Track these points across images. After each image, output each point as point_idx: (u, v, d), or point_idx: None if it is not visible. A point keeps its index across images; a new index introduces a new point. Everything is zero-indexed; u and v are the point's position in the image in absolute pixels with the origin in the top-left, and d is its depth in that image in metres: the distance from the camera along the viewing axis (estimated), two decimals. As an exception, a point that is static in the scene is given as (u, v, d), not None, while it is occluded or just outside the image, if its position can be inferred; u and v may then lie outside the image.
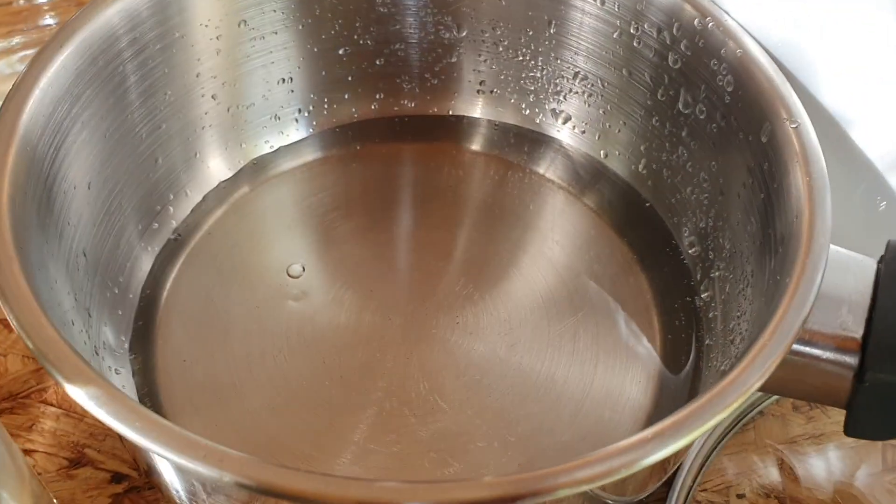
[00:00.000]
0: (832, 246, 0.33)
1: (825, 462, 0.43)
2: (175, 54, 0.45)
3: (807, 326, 0.31)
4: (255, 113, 0.50)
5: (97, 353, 0.40)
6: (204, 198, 0.49)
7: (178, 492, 0.34)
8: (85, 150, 0.41)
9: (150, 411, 0.29)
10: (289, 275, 0.46)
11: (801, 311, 0.31)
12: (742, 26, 0.41)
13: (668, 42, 0.43)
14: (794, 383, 0.33)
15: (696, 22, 0.42)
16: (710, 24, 0.41)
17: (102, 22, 0.41)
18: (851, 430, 0.34)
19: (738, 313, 0.39)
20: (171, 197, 0.47)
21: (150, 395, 0.42)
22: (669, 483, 0.41)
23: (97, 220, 0.43)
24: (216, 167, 0.49)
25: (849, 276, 0.33)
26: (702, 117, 0.43)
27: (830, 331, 0.32)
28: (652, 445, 0.28)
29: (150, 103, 0.45)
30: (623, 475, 0.28)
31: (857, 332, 0.32)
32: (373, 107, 0.52)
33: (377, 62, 0.51)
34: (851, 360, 0.32)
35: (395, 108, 0.52)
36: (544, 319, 0.44)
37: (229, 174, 0.50)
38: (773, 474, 0.43)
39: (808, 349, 0.32)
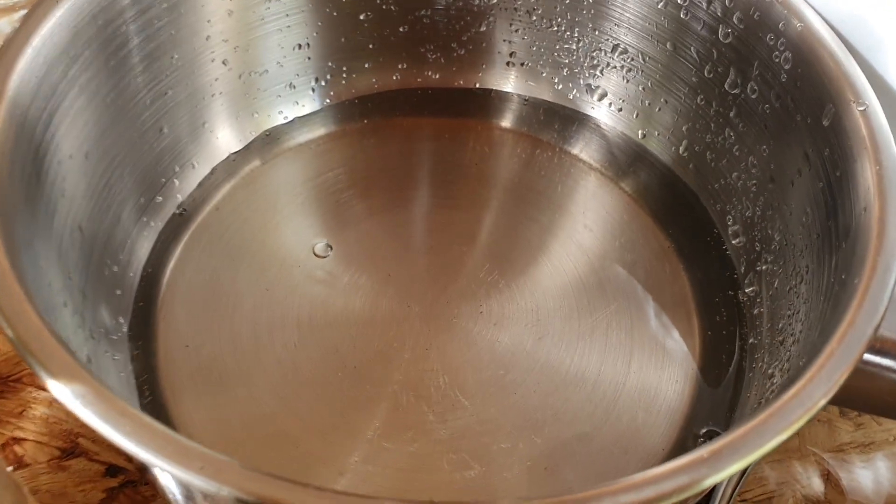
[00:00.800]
0: (905, 243, 0.30)
1: (874, 473, 0.40)
2: (183, 14, 0.41)
3: (878, 333, 0.28)
4: (269, 81, 0.47)
5: (93, 337, 0.37)
6: (212, 170, 0.46)
7: (174, 495, 0.31)
8: (83, 117, 0.38)
9: (142, 414, 0.26)
10: (301, 256, 0.43)
11: (872, 316, 0.28)
12: (804, -2, 0.37)
13: (719, 14, 0.40)
14: (861, 396, 0.30)
15: (752, -8, 0.38)
16: (768, -5, 0.38)
17: (104, -23, 0.37)
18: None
19: (790, 312, 0.36)
20: (177, 169, 0.44)
21: (148, 383, 0.39)
22: (707, 492, 0.38)
23: (95, 193, 0.39)
24: (226, 138, 0.46)
25: (924, 278, 0.30)
26: (753, 97, 0.39)
27: (904, 339, 0.29)
28: (706, 469, 0.25)
29: (155, 67, 0.41)
30: (674, 501, 0.25)
31: (933, 340, 0.29)
32: (395, 77, 0.49)
33: (400, 29, 0.48)
34: (928, 372, 0.29)
35: (419, 80, 0.49)
36: (574, 311, 0.41)
37: (240, 146, 0.46)
38: (817, 485, 0.40)
39: (879, 359, 0.29)
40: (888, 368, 0.29)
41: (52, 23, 0.35)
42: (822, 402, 0.26)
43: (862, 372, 0.29)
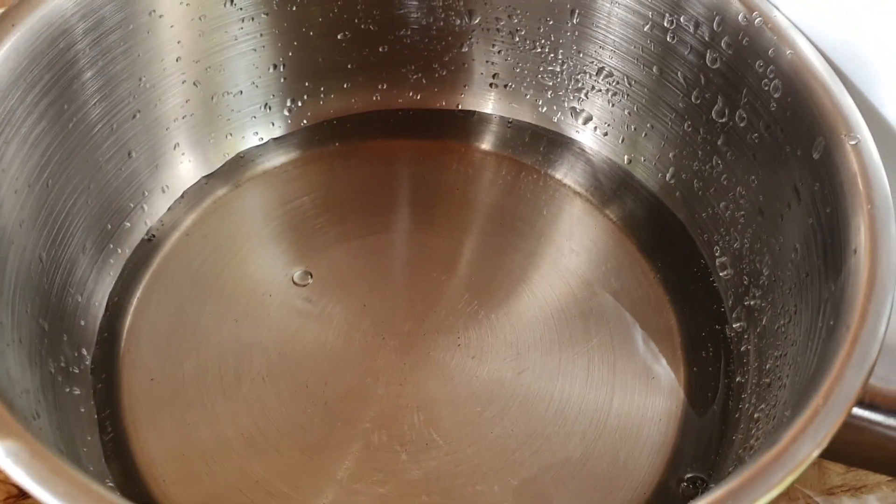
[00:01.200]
0: (897, 288, 0.29)
1: (866, 517, 0.38)
2: (150, 36, 0.40)
3: (868, 385, 0.26)
4: (243, 101, 0.45)
5: (50, 372, 0.36)
6: (183, 194, 0.44)
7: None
8: (43, 143, 0.36)
9: (80, 473, 0.24)
10: (273, 285, 0.41)
11: (861, 368, 0.26)
12: (794, 24, 0.36)
13: (706, 38, 0.38)
14: (848, 450, 0.28)
15: (740, 17, 0.37)
16: (758, 21, 0.36)
17: (63, -2, 0.36)
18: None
19: (778, 353, 0.35)
20: (146, 194, 0.43)
21: (111, 418, 0.38)
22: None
23: (57, 221, 0.38)
24: (198, 161, 0.45)
25: (916, 325, 0.28)
26: (742, 125, 0.38)
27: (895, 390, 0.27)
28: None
29: (121, 90, 0.40)
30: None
31: (926, 392, 0.27)
32: (374, 98, 0.47)
33: (380, 49, 0.46)
34: (919, 428, 0.27)
35: (400, 101, 0.48)
36: (556, 344, 0.40)
37: (212, 169, 0.45)
38: (806, 529, 0.38)
39: (867, 413, 0.27)
40: (877, 423, 0.27)
41: (7, 47, 0.34)
42: (809, 459, 0.25)
43: (849, 426, 0.27)
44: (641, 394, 0.39)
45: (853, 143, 0.32)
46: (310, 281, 0.42)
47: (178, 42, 0.41)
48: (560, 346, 0.40)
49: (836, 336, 0.28)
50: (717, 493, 0.24)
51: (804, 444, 0.25)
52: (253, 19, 0.43)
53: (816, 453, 0.25)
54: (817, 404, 0.26)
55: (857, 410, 0.27)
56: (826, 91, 0.33)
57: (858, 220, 0.30)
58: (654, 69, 0.41)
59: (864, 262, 0.29)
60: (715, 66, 0.38)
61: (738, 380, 0.38)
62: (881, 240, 0.29)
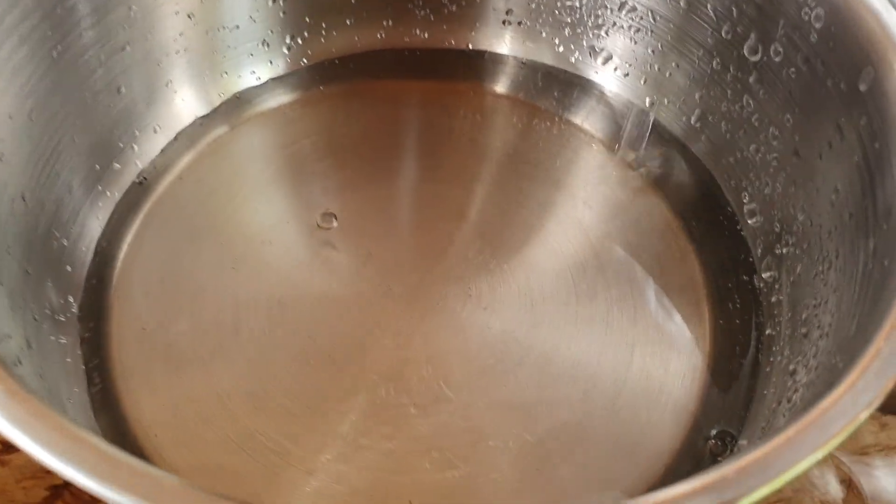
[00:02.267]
0: (957, 226, 0.26)
1: (900, 478, 0.36)
2: (141, -40, 0.37)
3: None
4: (240, 37, 0.43)
5: (35, 319, 0.33)
6: (176, 136, 0.42)
7: None
8: (25, 71, 0.34)
9: (62, 416, 0.22)
10: (272, 232, 0.39)
11: (924, 310, 0.24)
12: (839, -54, 0.33)
13: (740, -34, 0.36)
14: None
15: (778, -61, 0.34)
16: (798, -57, 0.34)
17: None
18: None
19: (815, 301, 0.32)
20: (137, 133, 0.40)
21: (98, 369, 0.35)
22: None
23: (41, 158, 0.36)
24: (191, 100, 0.42)
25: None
26: (777, 60, 0.35)
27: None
28: (732, 491, 0.21)
29: (109, 19, 0.37)
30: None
31: None
32: (379, 36, 0.45)
33: (386, -18, 0.44)
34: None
35: (406, 39, 0.45)
36: (572, 295, 0.38)
37: (207, 109, 0.43)
38: (835, 491, 0.36)
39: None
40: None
41: (-17, -39, 0.31)
42: (866, 412, 0.23)
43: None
44: (664, 348, 0.36)
45: (907, 72, 0.29)
46: (312, 229, 0.39)
47: (171, -32, 0.39)
48: (577, 299, 0.38)
49: (892, 277, 0.25)
50: (769, 445, 0.22)
51: (863, 392, 0.23)
52: (251, -55, 0.40)
53: (877, 403, 0.23)
54: (878, 348, 0.23)
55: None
56: (875, 16, 0.31)
57: (914, 154, 0.28)
58: (682, 2, 0.39)
59: (923, 197, 0.26)
60: (749, -4, 0.36)
61: (768, 332, 0.36)
62: (940, 173, 0.27)
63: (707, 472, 0.21)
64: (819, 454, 0.22)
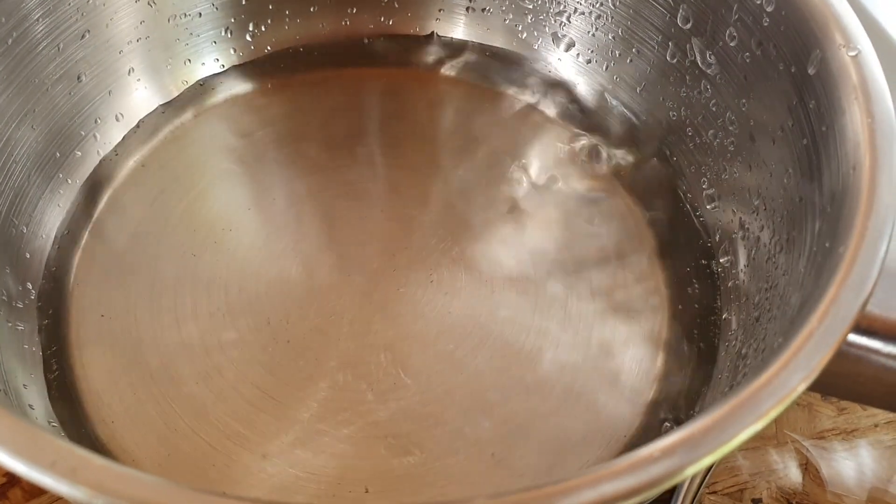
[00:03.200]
0: (898, 207, 0.26)
1: (857, 463, 0.36)
2: (97, -54, 0.37)
3: (866, 311, 0.24)
4: (202, 25, 0.42)
5: (-9, 305, 0.33)
6: (138, 124, 0.42)
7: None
8: (-22, 58, 0.34)
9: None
10: (234, 218, 0.39)
11: (859, 290, 0.24)
12: (789, -71, 0.33)
13: (695, -50, 0.36)
14: (843, 382, 0.26)
15: (731, -76, 0.34)
16: (749, -73, 0.34)
17: None
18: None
19: (767, 285, 0.32)
20: (98, 121, 0.40)
21: (57, 356, 0.35)
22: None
23: (-2, 145, 0.35)
24: (154, 88, 0.42)
25: (919, 247, 0.26)
26: (732, 44, 0.35)
27: (895, 318, 0.25)
28: (663, 467, 0.21)
29: (67, 6, 0.37)
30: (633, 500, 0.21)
31: (929, 319, 0.25)
32: (343, 23, 0.45)
33: (349, -31, 0.44)
34: (921, 355, 0.25)
35: (370, 26, 0.45)
36: (532, 280, 0.38)
37: (170, 97, 0.43)
38: (794, 475, 0.36)
39: (865, 340, 0.25)
40: (875, 351, 0.25)
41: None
42: (800, 388, 0.23)
43: (845, 355, 0.25)
44: (622, 334, 0.36)
45: (853, 54, 0.29)
46: (272, 215, 0.39)
47: (129, -45, 0.39)
48: (536, 284, 0.38)
49: (832, 258, 0.25)
50: (701, 422, 0.22)
51: (796, 370, 0.23)
52: (211, -68, 0.40)
53: (811, 378, 0.23)
54: (811, 328, 0.23)
55: (853, 337, 0.25)
56: (822, 1, 0.31)
57: (858, 136, 0.28)
58: (640, -12, 0.39)
59: (865, 180, 0.26)
60: (704, -19, 0.36)
61: (724, 316, 0.36)
62: (882, 155, 0.27)
63: (647, 446, 0.22)
64: (752, 429, 0.22)
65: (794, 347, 0.23)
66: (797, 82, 0.32)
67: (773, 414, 0.22)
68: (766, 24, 0.33)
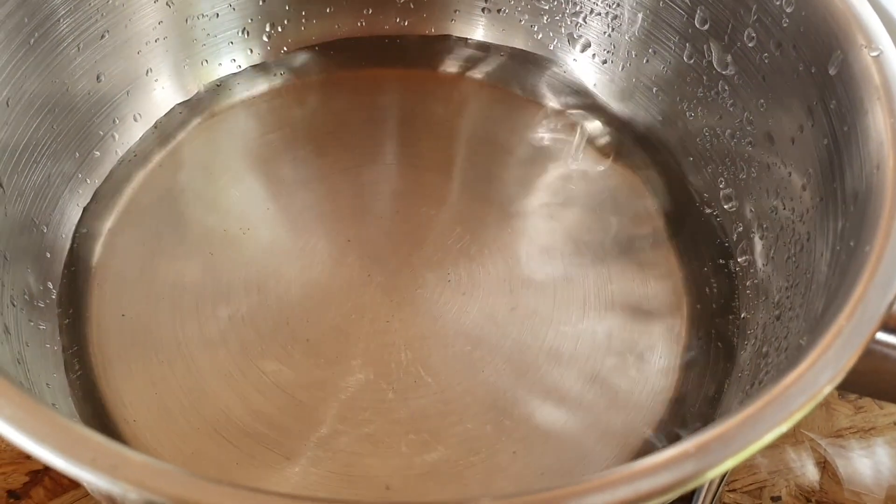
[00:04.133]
0: (923, 206, 0.26)
1: (874, 461, 0.36)
2: (118, -53, 0.37)
3: (894, 310, 0.24)
4: (220, 26, 0.43)
5: (13, 304, 0.33)
6: (156, 124, 0.42)
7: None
8: (1, 59, 0.34)
9: (25, 394, 0.22)
10: (252, 218, 0.39)
11: (887, 288, 0.24)
12: (809, -70, 0.33)
13: (714, -49, 0.36)
14: (871, 380, 0.26)
15: (750, -75, 0.34)
16: (769, -72, 0.34)
17: None
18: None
19: (788, 283, 0.33)
20: (117, 121, 0.40)
21: (78, 356, 0.36)
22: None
23: (19, 145, 0.36)
24: (172, 88, 0.42)
25: (943, 246, 0.26)
26: (751, 45, 0.36)
27: (921, 315, 0.25)
28: (693, 465, 0.21)
29: (89, 6, 0.37)
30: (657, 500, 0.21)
31: (954, 317, 0.25)
32: (359, 24, 0.45)
33: (365, -30, 0.44)
34: (947, 354, 0.25)
35: (386, 27, 0.45)
36: (550, 280, 0.38)
37: (187, 97, 0.43)
38: (812, 473, 0.36)
39: (893, 339, 0.25)
40: (901, 349, 0.25)
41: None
42: (828, 387, 0.23)
43: (872, 353, 0.25)
44: (641, 331, 0.37)
45: (875, 54, 0.29)
46: (291, 215, 0.39)
47: (149, -44, 0.39)
48: (554, 282, 0.38)
49: (857, 257, 0.26)
50: (726, 424, 0.22)
51: (824, 370, 0.23)
52: (230, -67, 0.40)
53: (838, 379, 0.23)
54: (839, 326, 0.23)
55: (882, 335, 0.25)
56: (844, 1, 0.31)
57: (881, 135, 0.28)
58: (658, -12, 0.39)
59: (889, 179, 0.27)
60: (722, -18, 0.36)
61: (743, 315, 0.36)
62: (907, 154, 0.27)
63: (669, 448, 0.22)
64: (781, 429, 0.22)
65: (821, 347, 0.24)
66: (818, 83, 0.32)
67: (801, 414, 0.23)
68: (785, 25, 0.33)
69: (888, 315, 0.24)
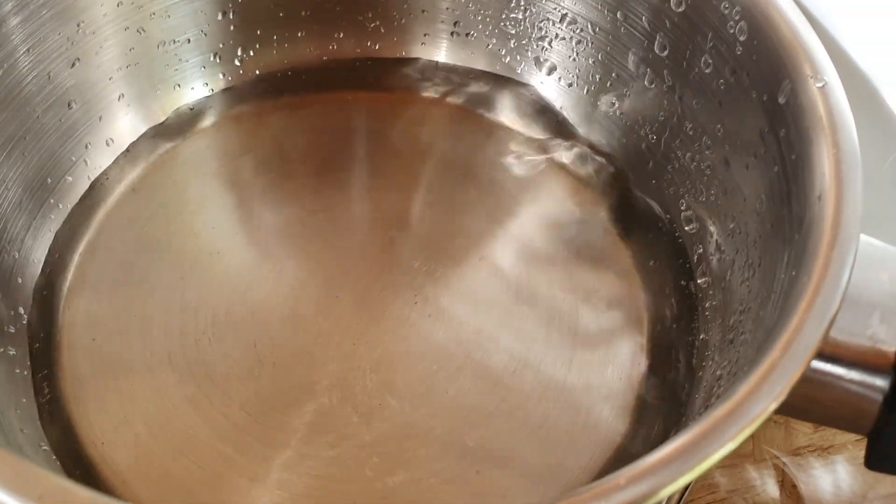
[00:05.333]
0: (863, 236, 0.27)
1: (834, 478, 0.37)
2: (86, -22, 0.38)
3: (830, 337, 0.25)
4: (192, 50, 0.43)
5: (-18, 331, 0.34)
6: (128, 148, 0.42)
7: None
8: (-31, 89, 0.34)
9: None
10: (222, 242, 0.40)
11: (822, 318, 0.25)
12: (761, -38, 0.34)
13: (671, -21, 0.37)
14: (807, 405, 0.27)
15: (704, -45, 0.35)
16: (722, -42, 0.34)
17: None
18: (874, 462, 0.28)
19: (741, 307, 0.33)
20: (88, 147, 0.41)
21: (48, 379, 0.36)
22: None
23: (-11, 172, 0.36)
24: (144, 112, 0.43)
25: (882, 275, 0.27)
26: (707, 71, 0.36)
27: (857, 343, 0.26)
28: (624, 494, 0.22)
29: (57, 36, 0.38)
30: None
31: (891, 345, 0.26)
32: (331, 47, 0.45)
33: (335, -6, 0.44)
34: (882, 382, 0.26)
35: (357, 50, 0.46)
36: (514, 301, 0.38)
37: (159, 121, 0.43)
38: (772, 491, 0.37)
39: (828, 367, 0.26)
40: (836, 377, 0.26)
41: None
42: (765, 415, 0.23)
43: (811, 381, 0.26)
44: (603, 351, 0.37)
45: (820, 85, 0.30)
46: (260, 239, 0.40)
47: (119, -15, 0.39)
48: (519, 304, 0.38)
49: (797, 286, 0.26)
50: (667, 450, 0.23)
51: (760, 398, 0.24)
52: (199, -39, 0.41)
53: (772, 408, 0.23)
54: (774, 357, 0.24)
55: (817, 364, 0.26)
56: (793, 32, 0.32)
57: (824, 166, 0.28)
58: (618, 14, 0.40)
59: (829, 209, 0.27)
60: (679, 9, 0.37)
61: (702, 337, 0.37)
62: (846, 185, 0.28)
63: (622, 469, 0.22)
64: (717, 457, 0.23)
65: (759, 375, 0.24)
66: (769, 111, 0.32)
67: (739, 440, 0.23)
68: (739, 53, 0.34)
69: (824, 344, 0.25)
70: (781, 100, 0.31)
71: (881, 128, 0.34)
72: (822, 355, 0.26)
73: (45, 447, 0.34)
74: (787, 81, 0.31)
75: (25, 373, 0.36)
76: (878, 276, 0.27)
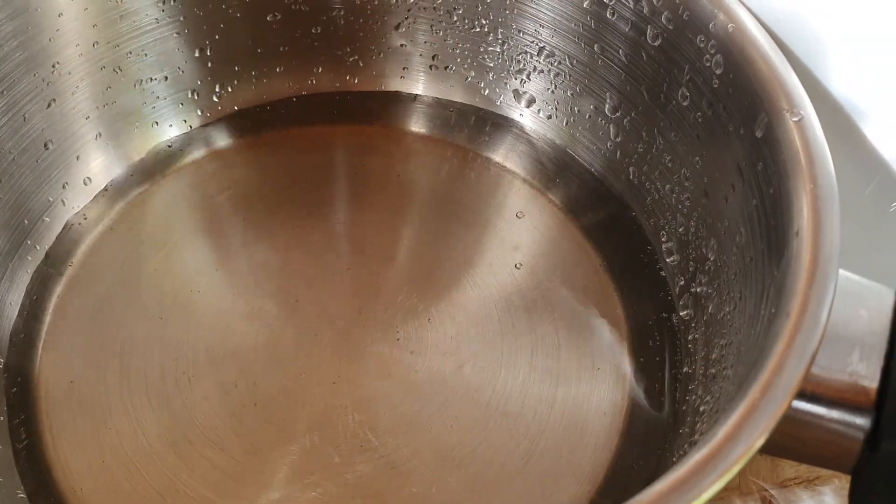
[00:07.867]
0: (841, 272, 0.27)
1: (821, 510, 0.37)
2: (62, 19, 0.38)
3: (811, 374, 0.25)
4: (169, 88, 0.43)
5: (-42, 378, 0.34)
6: (106, 187, 0.42)
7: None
8: (-57, 134, 0.34)
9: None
10: (201, 280, 0.39)
11: (801, 358, 0.25)
12: (736, -4, 0.34)
13: (646, 13, 0.36)
14: (788, 444, 0.26)
15: (679, -11, 0.35)
16: (697, -7, 0.34)
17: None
18: (858, 500, 0.27)
19: (724, 342, 0.33)
20: (66, 187, 0.41)
21: (26, 424, 0.36)
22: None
23: (-35, 216, 0.36)
24: (122, 151, 0.43)
25: (861, 311, 0.27)
26: (685, 104, 0.36)
27: (838, 380, 0.26)
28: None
29: (32, 77, 0.38)
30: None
31: (872, 382, 0.26)
32: (310, 82, 0.45)
33: (313, 30, 0.44)
34: (862, 421, 0.26)
35: (336, 84, 0.46)
36: (498, 336, 0.38)
37: (138, 158, 0.43)
38: (759, 523, 0.36)
39: (809, 406, 0.26)
40: (816, 416, 0.26)
41: None
42: (742, 462, 0.23)
43: (792, 420, 0.26)
44: (586, 386, 0.37)
45: (796, 119, 0.30)
46: (240, 276, 0.40)
47: (94, 26, 0.39)
48: (503, 339, 0.38)
49: (776, 324, 0.26)
50: (646, 497, 0.23)
51: (739, 442, 0.23)
52: (174, 1, 0.41)
53: (752, 451, 0.23)
54: (754, 398, 0.24)
55: (798, 403, 0.25)
56: (768, 65, 0.32)
57: (801, 201, 0.28)
58: (596, 48, 0.40)
59: (807, 245, 0.27)
60: (656, 43, 0.37)
61: (685, 370, 0.36)
62: (824, 221, 0.27)
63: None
64: (705, 497, 0.23)
65: (738, 416, 0.24)
66: (746, 144, 0.32)
67: (717, 487, 0.23)
68: (716, 86, 0.34)
69: (804, 383, 0.24)
70: (758, 133, 0.31)
71: (859, 159, 0.34)
72: (802, 394, 0.25)
73: (22, 495, 0.34)
74: (764, 115, 0.31)
75: (1, 419, 0.35)
76: (857, 313, 0.27)
